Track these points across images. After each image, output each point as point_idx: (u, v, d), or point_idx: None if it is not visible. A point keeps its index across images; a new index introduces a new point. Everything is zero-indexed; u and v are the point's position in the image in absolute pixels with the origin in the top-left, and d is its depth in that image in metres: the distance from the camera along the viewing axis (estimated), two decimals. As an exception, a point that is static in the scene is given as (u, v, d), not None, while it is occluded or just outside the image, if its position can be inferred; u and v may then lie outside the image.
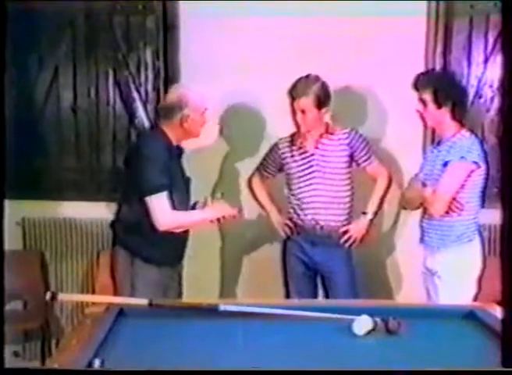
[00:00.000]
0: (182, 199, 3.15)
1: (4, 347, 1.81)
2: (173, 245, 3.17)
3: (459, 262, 3.16)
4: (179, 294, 3.28)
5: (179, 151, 3.26)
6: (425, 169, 3.30)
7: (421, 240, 3.33)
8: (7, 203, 1.98)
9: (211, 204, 3.23)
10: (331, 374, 1.88)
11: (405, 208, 3.50)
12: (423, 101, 3.18)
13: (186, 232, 3.23)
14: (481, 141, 3.24)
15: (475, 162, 3.11)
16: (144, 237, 3.08)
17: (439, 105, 3.16)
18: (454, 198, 3.13)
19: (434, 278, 3.23)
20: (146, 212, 3.03)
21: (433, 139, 3.87)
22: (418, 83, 3.21)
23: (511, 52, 1.52)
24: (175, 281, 3.24)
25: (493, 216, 3.35)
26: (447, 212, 3.14)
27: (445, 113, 3.17)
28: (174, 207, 3.06)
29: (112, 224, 3.26)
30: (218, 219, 3.21)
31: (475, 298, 3.14)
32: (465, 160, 3.10)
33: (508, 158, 1.52)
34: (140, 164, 3.05)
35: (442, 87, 3.16)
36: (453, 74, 3.44)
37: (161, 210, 3.02)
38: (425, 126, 3.57)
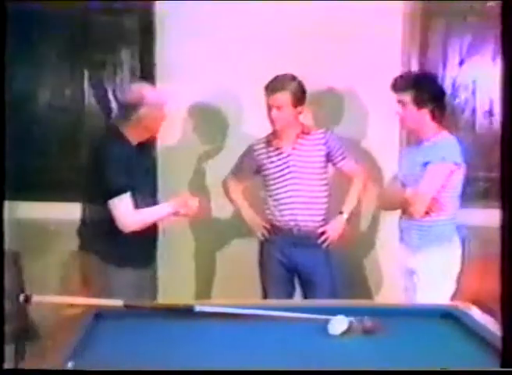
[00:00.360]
0: (147, 197, 3.13)
1: (4, 347, 1.78)
2: (143, 246, 3.14)
3: (438, 261, 3.18)
4: (154, 296, 3.26)
5: (142, 148, 3.21)
6: (404, 170, 3.31)
7: (401, 239, 3.34)
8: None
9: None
10: (307, 374, 1.88)
11: (382, 208, 3.51)
12: (402, 103, 3.19)
13: (155, 232, 3.21)
14: (461, 142, 3.26)
15: (456, 163, 3.13)
16: (113, 240, 3.06)
17: (419, 107, 3.16)
18: (434, 199, 3.14)
19: (413, 277, 3.25)
20: (111, 215, 3.01)
21: (409, 140, 3.90)
22: (397, 85, 3.22)
23: (511, 52, 1.53)
24: (149, 282, 3.22)
25: (471, 216, 3.41)
26: (427, 213, 3.16)
27: (425, 114, 3.19)
28: (137, 206, 3.04)
29: (79, 228, 3.24)
30: (184, 213, 3.19)
31: (453, 298, 3.16)
32: (446, 161, 3.12)
33: (508, 158, 1.52)
34: (100, 166, 3.04)
35: (421, 89, 3.17)
36: (432, 75, 3.46)
37: (125, 212, 3.01)
38: (404, 128, 3.56)
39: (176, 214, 3.20)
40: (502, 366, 1.64)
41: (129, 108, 3.11)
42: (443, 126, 3.25)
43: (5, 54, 2.03)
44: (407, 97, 3.17)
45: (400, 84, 3.21)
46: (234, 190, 3.74)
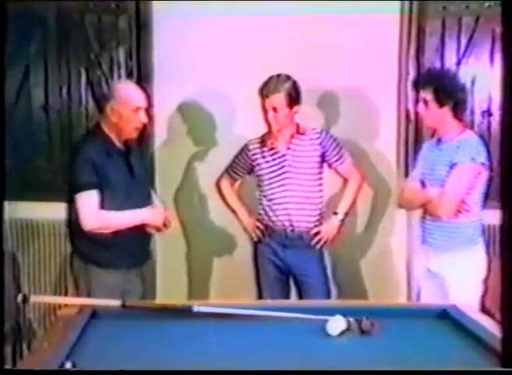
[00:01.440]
0: (127, 198, 3.07)
1: (4, 347, 1.78)
2: (128, 247, 3.09)
3: (466, 264, 3.13)
4: (143, 298, 3.20)
5: (125, 149, 3.17)
6: (424, 169, 3.26)
7: (424, 241, 3.28)
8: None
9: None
10: (305, 374, 1.88)
11: (402, 208, 3.46)
12: (424, 101, 3.15)
13: (141, 234, 3.17)
14: (485, 141, 3.21)
15: (483, 164, 3.09)
16: (94, 240, 3.03)
17: (441, 104, 3.12)
18: (462, 200, 3.10)
19: (439, 280, 3.18)
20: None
21: (406, 140, 3.90)
22: (418, 83, 3.20)
23: (511, 53, 1.52)
24: (135, 284, 3.15)
25: (492, 217, 3.40)
26: (455, 214, 3.11)
27: (446, 112, 3.13)
28: (103, 206, 3.00)
29: (69, 228, 3.22)
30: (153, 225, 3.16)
31: (482, 300, 3.15)
32: (475, 162, 3.08)
33: (508, 158, 1.52)
34: (71, 162, 3.04)
35: (443, 86, 3.13)
36: (453, 72, 3.38)
37: (86, 209, 2.98)
38: (426, 126, 3.48)
39: (146, 225, 3.15)
40: (502, 366, 1.64)
41: (101, 102, 3.11)
42: (467, 125, 3.20)
43: (5, 54, 2.02)
44: (429, 94, 3.12)
45: (421, 82, 3.18)
46: (228, 189, 3.74)
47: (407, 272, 3.97)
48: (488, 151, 3.13)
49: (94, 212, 2.98)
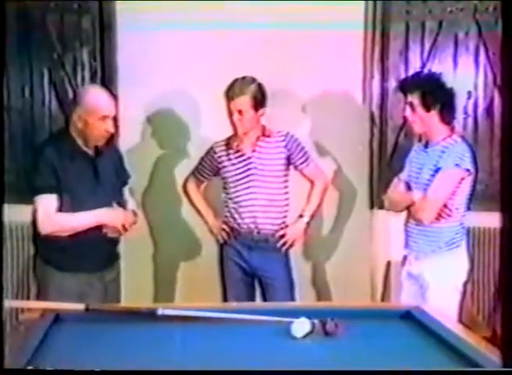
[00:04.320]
0: (91, 203, 3.03)
1: (4, 347, 1.75)
2: (88, 251, 3.04)
3: (447, 267, 3.14)
4: (103, 302, 3.13)
5: (94, 153, 3.11)
6: (411, 171, 3.27)
7: (406, 245, 3.29)
8: None
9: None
10: (270, 376, 1.89)
11: (388, 210, 3.46)
12: (411, 105, 3.14)
13: (105, 237, 3.11)
14: (471, 147, 3.22)
15: (467, 170, 3.10)
16: (54, 243, 2.99)
17: (428, 109, 3.11)
18: (444, 205, 3.11)
19: (420, 283, 3.19)
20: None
21: (371, 142, 3.93)
22: (405, 87, 3.20)
23: (511, 53, 1.54)
24: (95, 289, 3.09)
25: (477, 219, 3.42)
26: (436, 219, 3.12)
27: (433, 116, 3.13)
28: (62, 210, 2.96)
29: (33, 229, 3.16)
30: (111, 226, 3.08)
31: (461, 303, 3.18)
32: (459, 167, 3.08)
33: (508, 160, 1.53)
34: (32, 164, 3.01)
35: (429, 90, 3.12)
36: (439, 76, 3.37)
37: (43, 212, 2.94)
38: (413, 130, 3.40)
39: (104, 226, 3.07)
40: (502, 366, 1.65)
41: (69, 107, 3.07)
42: (454, 129, 3.21)
43: (5, 54, 1.99)
44: (415, 98, 3.12)
45: (408, 85, 3.19)
46: (194, 191, 3.72)
47: (372, 274, 4.01)
48: (474, 157, 3.14)
49: (49, 216, 2.95)
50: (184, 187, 3.74)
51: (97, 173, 3.11)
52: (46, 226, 2.96)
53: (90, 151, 3.11)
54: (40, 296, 3.06)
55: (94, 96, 3.07)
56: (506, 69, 1.57)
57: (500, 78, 1.58)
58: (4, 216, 1.82)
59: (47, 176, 2.95)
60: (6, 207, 3.89)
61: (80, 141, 3.06)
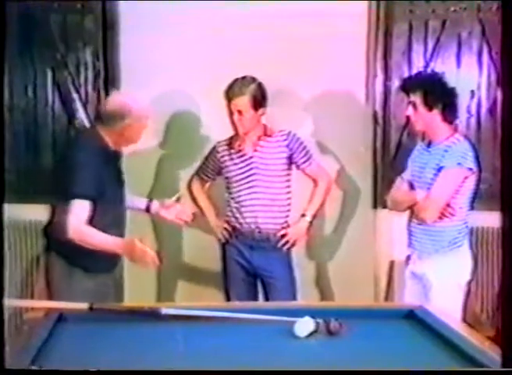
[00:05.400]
0: (114, 203, 3.06)
1: (4, 347, 1.75)
2: (108, 253, 3.03)
3: (451, 267, 3.14)
4: (117, 302, 3.18)
5: (117, 155, 3.18)
6: (413, 171, 3.27)
7: (409, 244, 3.28)
8: None
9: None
10: (273, 375, 1.89)
11: (391, 209, 3.47)
12: (413, 104, 3.14)
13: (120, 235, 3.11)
14: (474, 146, 3.22)
15: (470, 169, 3.10)
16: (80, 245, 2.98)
17: (430, 108, 3.11)
18: (447, 204, 3.11)
19: (423, 283, 3.19)
20: None
21: (374, 141, 3.93)
22: (407, 86, 3.20)
23: (511, 53, 1.54)
24: (110, 288, 3.14)
25: (480, 219, 3.42)
26: (439, 218, 3.12)
27: (436, 115, 3.13)
28: (103, 216, 2.97)
29: (45, 228, 3.17)
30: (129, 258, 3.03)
31: (465, 302, 3.18)
32: (461, 166, 3.08)
33: (508, 160, 1.53)
34: (72, 166, 2.98)
35: (431, 89, 3.13)
36: (442, 75, 3.39)
37: (75, 219, 2.91)
38: (415, 130, 3.41)
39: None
40: (502, 366, 1.65)
41: (113, 119, 3.03)
42: (456, 129, 3.21)
43: (5, 54, 1.99)
44: (417, 98, 3.12)
45: (410, 85, 3.19)
46: (198, 191, 3.72)
47: (375, 273, 4.00)
48: (477, 156, 3.14)
49: (79, 225, 2.92)
50: (189, 186, 3.75)
51: (121, 173, 3.16)
52: (73, 234, 2.93)
53: (115, 153, 3.14)
54: (56, 296, 3.04)
55: (136, 101, 3.10)
56: (505, 69, 1.57)
57: (500, 77, 1.58)
58: (4, 215, 1.82)
59: (89, 182, 2.93)
60: (13, 206, 3.92)
61: (112, 143, 3.08)
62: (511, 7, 1.59)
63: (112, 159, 3.12)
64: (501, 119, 1.61)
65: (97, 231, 2.96)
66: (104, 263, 3.08)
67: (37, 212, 3.86)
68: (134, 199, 3.28)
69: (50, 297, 3.06)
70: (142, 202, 3.32)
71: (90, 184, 2.94)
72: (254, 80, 3.43)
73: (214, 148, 3.62)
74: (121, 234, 3.10)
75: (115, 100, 3.14)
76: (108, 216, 3.01)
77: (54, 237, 3.10)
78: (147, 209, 3.32)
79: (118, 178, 3.15)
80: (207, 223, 3.71)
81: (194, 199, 3.73)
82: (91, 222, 2.95)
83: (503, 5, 1.67)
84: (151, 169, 3.95)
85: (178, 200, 3.30)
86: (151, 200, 3.33)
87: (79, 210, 2.93)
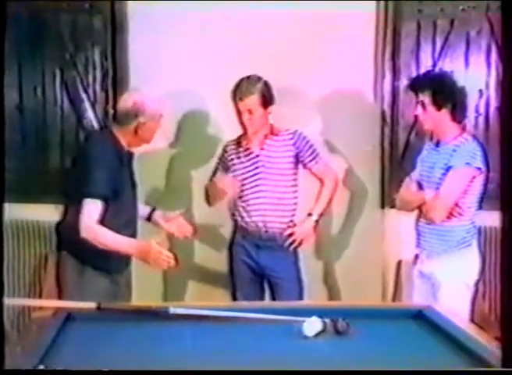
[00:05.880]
0: (127, 204, 3.08)
1: (4, 347, 1.75)
2: (120, 252, 3.05)
3: (459, 266, 3.13)
4: (127, 301, 3.19)
5: (130, 155, 3.19)
6: (422, 170, 3.27)
7: (418, 244, 3.28)
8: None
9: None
10: (281, 375, 1.89)
11: (399, 209, 3.46)
12: (422, 104, 3.14)
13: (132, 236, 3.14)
14: (482, 145, 3.20)
15: (479, 168, 3.10)
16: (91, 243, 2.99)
17: (439, 107, 3.11)
18: (456, 204, 3.10)
19: (431, 283, 3.19)
20: None
21: (382, 141, 3.93)
22: (416, 85, 3.20)
23: (511, 53, 1.53)
24: (121, 287, 3.16)
25: (488, 218, 3.40)
26: (448, 218, 3.11)
27: (445, 115, 3.13)
28: (117, 215, 2.98)
29: (57, 227, 3.18)
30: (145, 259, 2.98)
31: (473, 302, 3.17)
32: (470, 166, 3.08)
33: (508, 159, 1.52)
34: (86, 165, 2.98)
35: (441, 88, 3.12)
36: (451, 74, 3.37)
37: (87, 218, 2.92)
38: (424, 129, 3.38)
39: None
40: (502, 366, 1.65)
41: (127, 117, 3.05)
42: (465, 128, 3.20)
43: (4, 54, 1.99)
44: (426, 97, 3.11)
45: (419, 84, 3.18)
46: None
47: (383, 273, 4.00)
48: (486, 156, 3.13)
49: (91, 224, 2.92)
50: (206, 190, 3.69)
51: (133, 174, 3.17)
52: (85, 233, 2.93)
53: (128, 153, 3.15)
54: (66, 294, 3.04)
55: (150, 100, 3.11)
56: (506, 70, 1.57)
57: (501, 77, 1.57)
58: (4, 215, 1.82)
59: (104, 181, 2.93)
60: (22, 206, 3.94)
61: (125, 143, 3.09)
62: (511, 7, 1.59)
63: (125, 160, 3.13)
64: (501, 119, 1.60)
65: (109, 231, 2.96)
66: (116, 263, 3.09)
67: (46, 213, 3.90)
68: (139, 205, 3.27)
69: (60, 296, 3.07)
70: (145, 210, 3.31)
71: (103, 184, 2.94)
72: (259, 78, 3.43)
73: (223, 147, 3.63)
74: (133, 235, 3.11)
75: (128, 98, 3.15)
76: (121, 216, 3.03)
77: (66, 236, 3.11)
78: (149, 218, 3.31)
79: (130, 179, 3.16)
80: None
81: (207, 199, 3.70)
82: (104, 222, 2.95)
83: (502, 5, 1.66)
84: (157, 168, 3.95)
85: (181, 214, 3.29)
86: (154, 209, 3.32)
87: (92, 209, 2.93)
